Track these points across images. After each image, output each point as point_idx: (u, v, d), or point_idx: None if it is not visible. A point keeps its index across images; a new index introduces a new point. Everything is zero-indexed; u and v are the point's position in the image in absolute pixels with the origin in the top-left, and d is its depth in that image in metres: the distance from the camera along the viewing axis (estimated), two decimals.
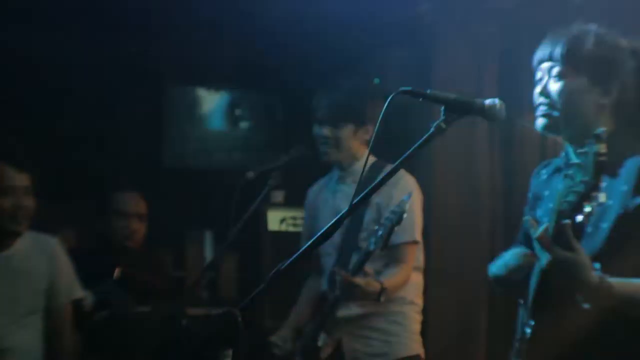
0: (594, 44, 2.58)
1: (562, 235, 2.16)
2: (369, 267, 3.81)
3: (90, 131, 6.18)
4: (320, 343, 3.94)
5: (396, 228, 3.76)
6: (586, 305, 2.27)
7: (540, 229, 2.19)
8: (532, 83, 2.71)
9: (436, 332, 5.19)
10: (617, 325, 2.35)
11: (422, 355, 4.19)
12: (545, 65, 2.63)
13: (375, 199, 4.03)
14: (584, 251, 2.18)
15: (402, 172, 4.13)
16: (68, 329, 4.17)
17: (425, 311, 4.30)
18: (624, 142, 2.51)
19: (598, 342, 2.37)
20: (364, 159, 4.14)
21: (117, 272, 4.67)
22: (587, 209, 2.08)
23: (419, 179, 4.26)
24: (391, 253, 4.00)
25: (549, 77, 2.62)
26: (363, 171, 2.78)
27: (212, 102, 6.69)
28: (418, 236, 4.11)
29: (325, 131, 4.16)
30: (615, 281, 2.24)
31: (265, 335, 4.36)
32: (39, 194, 4.07)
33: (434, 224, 5.26)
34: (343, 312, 4.00)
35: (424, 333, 4.27)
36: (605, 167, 2.08)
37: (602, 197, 2.06)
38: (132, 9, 5.75)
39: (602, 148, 2.08)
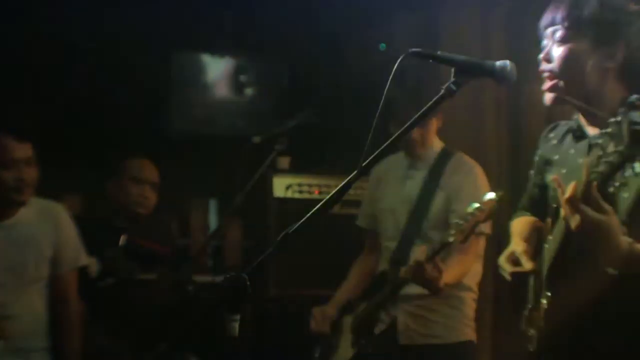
0: (597, 5, 2.53)
1: (592, 200, 2.09)
2: (441, 264, 3.73)
3: (96, 97, 6.14)
4: (380, 318, 4.00)
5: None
6: (611, 271, 2.22)
7: (570, 189, 2.12)
8: (539, 48, 2.67)
9: None
10: (636, 294, 2.31)
11: (475, 341, 4.19)
12: (550, 29, 2.59)
13: (445, 188, 4.06)
14: (614, 214, 2.13)
15: (472, 162, 4.17)
16: (73, 296, 4.17)
17: None
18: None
19: (616, 311, 2.35)
20: (434, 146, 4.22)
21: (122, 239, 4.65)
22: (621, 180, 2.01)
23: None
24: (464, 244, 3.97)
25: (553, 41, 2.58)
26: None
27: (217, 68, 6.64)
28: (487, 228, 4.03)
29: (415, 133, 4.09)
30: None
31: (269, 304, 4.36)
32: (44, 160, 4.06)
33: None
34: (403, 289, 3.97)
35: None
36: None
37: (638, 167, 1.98)
38: None
39: (637, 116, 1.99)
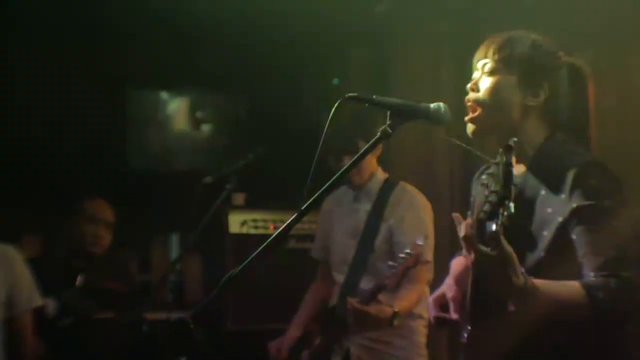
0: (529, 46, 2.61)
1: (490, 239, 2.11)
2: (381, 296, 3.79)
3: (53, 137, 6.16)
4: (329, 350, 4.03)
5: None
6: (512, 307, 2.30)
7: (464, 227, 2.17)
8: None
9: None
10: (550, 330, 2.37)
11: None
12: (481, 62, 2.65)
13: (388, 220, 4.10)
14: (511, 251, 2.16)
15: (414, 192, 4.21)
16: (29, 337, 4.16)
17: None
18: (560, 152, 2.54)
19: (533, 346, 2.39)
20: (377, 176, 4.26)
21: (80, 279, 4.67)
22: (500, 219, 2.05)
23: None
24: (408, 273, 4.03)
25: (482, 73, 2.64)
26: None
27: (173, 105, 6.69)
28: (430, 256, 4.10)
29: (346, 160, 4.10)
30: (540, 283, 2.23)
31: (228, 339, 4.40)
32: (3, 202, 4.07)
33: None
34: None
35: None
36: (513, 178, 2.07)
37: (512, 207, 2.03)
38: (94, 13, 5.75)
39: (511, 158, 2.08)
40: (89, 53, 6.03)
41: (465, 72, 5.10)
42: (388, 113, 2.47)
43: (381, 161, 4.31)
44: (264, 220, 5.04)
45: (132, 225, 5.50)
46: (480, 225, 2.13)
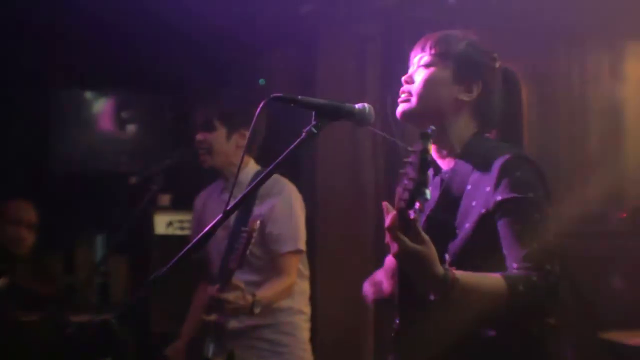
0: (465, 44, 2.66)
1: (410, 229, 2.17)
2: (239, 281, 3.77)
3: None
4: (210, 354, 3.94)
5: (277, 237, 3.93)
6: (432, 297, 2.33)
7: (388, 219, 2.21)
8: None
9: (324, 337, 5.23)
10: (474, 324, 2.41)
11: None
12: (417, 57, 2.69)
13: (258, 209, 4.05)
14: (430, 243, 2.20)
15: (284, 182, 4.15)
16: None
17: (312, 317, 4.32)
18: (490, 143, 2.60)
19: (458, 340, 2.41)
20: (249, 168, 4.19)
21: (2, 281, 4.61)
22: (417, 206, 2.09)
23: (303, 184, 4.28)
24: (274, 263, 4.03)
25: (417, 66, 2.68)
26: (237, 176, 2.75)
27: (98, 105, 6.63)
28: (301, 245, 4.10)
29: (199, 136, 4.14)
30: (460, 274, 2.26)
31: (153, 341, 4.36)
32: None
33: (320, 230, 5.31)
34: (233, 323, 3.98)
35: (312, 339, 4.30)
36: (429, 165, 2.11)
37: (427, 193, 2.08)
38: (17, 11, 5.68)
39: (428, 146, 2.12)
40: (12, 52, 5.93)
41: (391, 72, 5.20)
42: (313, 113, 2.48)
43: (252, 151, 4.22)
44: (190, 221, 4.96)
45: (56, 227, 5.45)
46: (401, 214, 2.16)
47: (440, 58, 2.64)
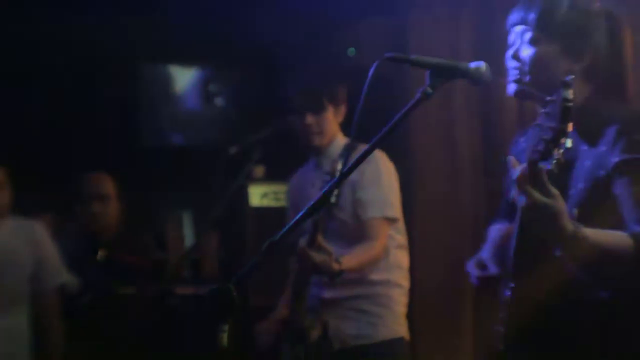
0: (567, 8, 2.57)
1: (538, 181, 2.13)
2: (329, 246, 3.71)
3: (64, 114, 6.12)
4: (307, 324, 3.93)
5: (364, 203, 3.90)
6: (561, 254, 2.27)
7: (519, 170, 2.17)
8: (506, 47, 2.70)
9: (422, 311, 5.17)
10: (594, 286, 2.37)
11: (407, 337, 4.17)
12: (518, 28, 2.62)
13: (349, 180, 4.00)
14: (560, 197, 2.16)
15: (375, 151, 4.09)
16: (55, 314, 4.14)
17: (410, 290, 4.25)
18: (602, 109, 2.52)
19: (575, 302, 2.39)
20: (337, 140, 4.15)
21: (100, 254, 4.64)
22: (556, 156, 2.06)
23: (397, 153, 4.22)
24: (360, 229, 3.98)
25: (522, 41, 2.61)
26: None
27: (185, 79, 6.64)
28: (391, 212, 4.04)
29: (310, 119, 4.08)
30: (590, 231, 2.23)
31: (250, 313, 4.33)
32: (16, 183, 4.04)
33: (415, 199, 5.24)
34: (329, 294, 3.98)
35: (408, 314, 4.24)
36: (571, 113, 2.06)
37: (568, 142, 2.05)
38: None
39: (569, 94, 2.06)
40: (101, 29, 5.96)
41: (483, 38, 5.10)
42: (427, 73, 2.41)
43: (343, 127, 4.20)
44: (285, 196, 4.92)
45: (145, 203, 5.47)
46: (532, 166, 2.12)
47: (545, 32, 2.56)
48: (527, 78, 2.58)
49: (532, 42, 2.58)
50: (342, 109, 4.13)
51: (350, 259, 3.83)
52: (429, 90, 2.39)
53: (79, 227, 4.92)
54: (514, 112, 5.08)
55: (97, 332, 4.55)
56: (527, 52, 2.59)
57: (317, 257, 3.68)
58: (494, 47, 4.68)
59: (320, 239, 3.70)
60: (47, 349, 4.12)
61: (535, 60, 2.56)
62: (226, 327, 2.22)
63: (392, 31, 5.67)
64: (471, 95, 5.33)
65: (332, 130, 4.14)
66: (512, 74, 2.62)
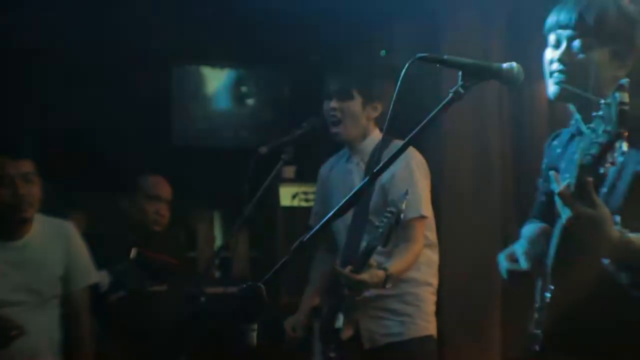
0: (617, 14, 2.56)
1: (584, 191, 2.13)
2: (372, 259, 3.74)
3: (96, 114, 6.15)
4: (339, 325, 3.93)
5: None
6: (605, 261, 2.28)
7: (563, 184, 2.17)
8: (540, 48, 2.68)
9: (450, 309, 5.17)
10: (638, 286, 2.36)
11: (435, 336, 4.17)
12: (565, 32, 2.59)
13: (381, 178, 4.00)
14: (605, 206, 2.16)
15: (407, 149, 4.09)
16: (85, 314, 4.16)
17: (438, 288, 4.26)
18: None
19: (616, 304, 2.38)
20: (373, 136, 4.15)
21: (133, 252, 4.67)
22: (610, 160, 2.05)
23: (428, 154, 4.22)
24: (399, 231, 3.98)
25: (570, 46, 2.57)
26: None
27: (217, 80, 6.66)
28: (425, 211, 4.04)
29: (333, 103, 4.10)
30: (634, 236, 2.23)
31: (282, 312, 4.35)
32: (49, 179, 4.05)
33: (445, 199, 5.24)
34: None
35: (436, 310, 4.25)
36: (628, 116, 2.04)
37: (625, 146, 2.03)
38: None
39: (625, 97, 2.05)
40: (135, 30, 6.00)
41: (518, 41, 5.08)
42: (460, 73, 2.42)
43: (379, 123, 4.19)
44: (315, 192, 4.94)
45: (177, 202, 5.49)
46: (582, 170, 2.12)
47: (598, 39, 2.54)
48: (574, 82, 2.55)
49: (584, 47, 2.55)
50: (377, 106, 4.10)
51: (397, 265, 3.86)
52: (461, 90, 2.40)
53: (113, 225, 4.96)
54: (544, 114, 5.07)
55: (127, 330, 4.57)
56: (576, 56, 2.56)
57: (368, 278, 3.71)
58: (525, 49, 4.74)
59: (373, 260, 3.73)
60: (78, 347, 4.13)
61: (587, 65, 2.54)
62: (255, 327, 2.24)
63: (425, 33, 5.66)
64: (502, 97, 5.32)
65: (357, 122, 4.12)
66: (556, 77, 2.59)
